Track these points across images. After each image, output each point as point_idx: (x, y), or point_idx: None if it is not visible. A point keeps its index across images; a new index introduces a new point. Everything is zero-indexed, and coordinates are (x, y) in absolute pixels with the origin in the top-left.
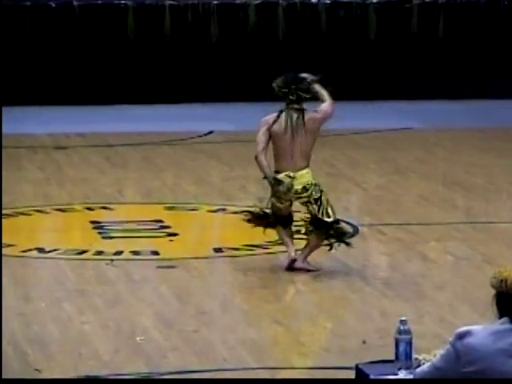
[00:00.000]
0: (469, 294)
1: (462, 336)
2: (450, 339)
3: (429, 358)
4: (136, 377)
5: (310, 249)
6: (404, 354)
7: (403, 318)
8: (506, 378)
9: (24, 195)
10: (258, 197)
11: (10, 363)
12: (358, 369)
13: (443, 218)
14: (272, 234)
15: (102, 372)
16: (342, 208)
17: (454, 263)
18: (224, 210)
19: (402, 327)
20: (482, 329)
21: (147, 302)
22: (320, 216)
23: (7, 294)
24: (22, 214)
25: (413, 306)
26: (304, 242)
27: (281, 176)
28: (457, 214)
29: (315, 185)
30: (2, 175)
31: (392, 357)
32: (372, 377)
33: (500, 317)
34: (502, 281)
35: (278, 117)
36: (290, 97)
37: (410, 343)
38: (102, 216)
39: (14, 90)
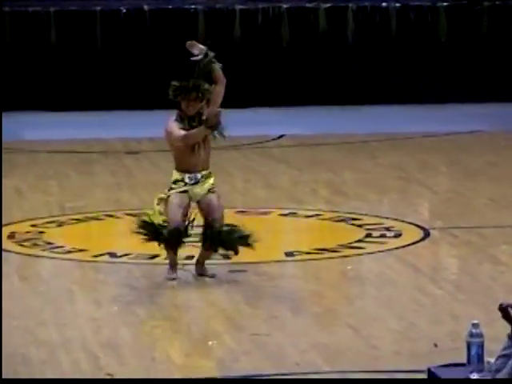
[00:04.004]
0: None
1: None
2: None
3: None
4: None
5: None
6: (476, 357)
7: (475, 322)
8: None
9: (95, 200)
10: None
11: (81, 367)
12: (429, 372)
13: None
14: (343, 237)
15: (174, 376)
16: (413, 211)
17: None
18: (295, 213)
19: (473, 330)
20: None
21: (218, 306)
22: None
23: (79, 298)
24: (94, 218)
25: (484, 309)
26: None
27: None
28: None
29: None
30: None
31: (464, 360)
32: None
33: None
34: None
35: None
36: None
37: (481, 346)
38: None
39: (86, 96)
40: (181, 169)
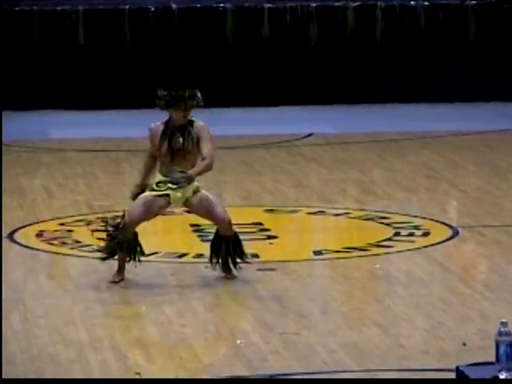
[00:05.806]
0: None
1: None
2: None
3: None
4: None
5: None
6: (505, 355)
7: (504, 320)
8: None
9: (124, 199)
10: None
11: (109, 367)
12: (458, 371)
13: None
14: (372, 236)
15: (202, 375)
16: (442, 210)
17: None
18: (323, 212)
19: (502, 329)
20: None
21: (247, 305)
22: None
23: (107, 297)
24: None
25: None
26: None
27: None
28: None
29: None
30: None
31: (493, 359)
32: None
33: None
34: None
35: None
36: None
37: (510, 345)
38: (201, 219)
39: (114, 94)
40: (162, 173)
